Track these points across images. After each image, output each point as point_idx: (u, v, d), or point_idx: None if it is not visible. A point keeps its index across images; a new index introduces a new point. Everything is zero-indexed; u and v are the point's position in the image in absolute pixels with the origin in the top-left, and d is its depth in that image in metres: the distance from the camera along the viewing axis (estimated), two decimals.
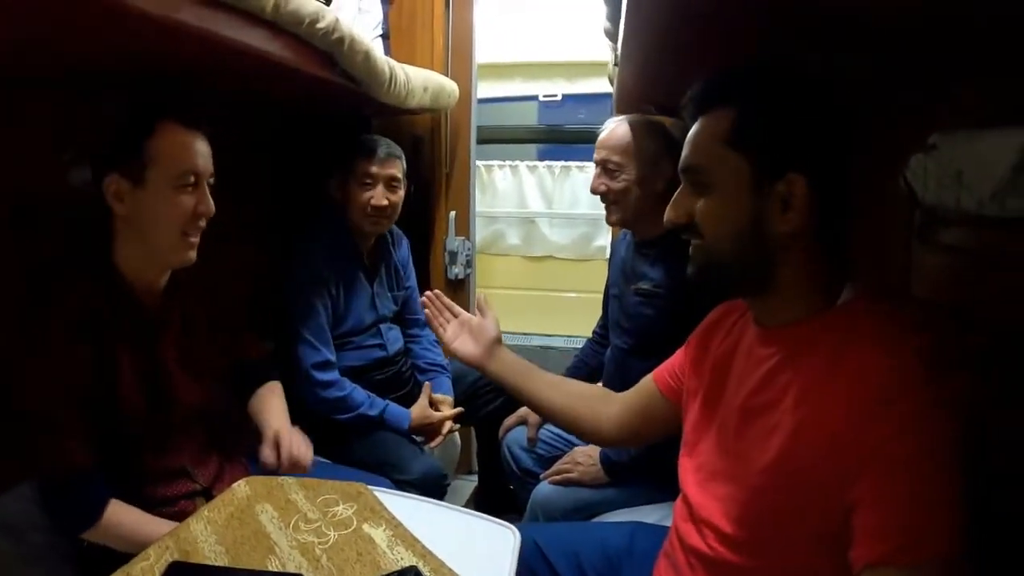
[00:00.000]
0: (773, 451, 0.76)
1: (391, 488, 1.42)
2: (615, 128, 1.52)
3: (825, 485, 0.70)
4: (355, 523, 0.91)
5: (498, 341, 1.24)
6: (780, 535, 0.76)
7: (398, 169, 1.74)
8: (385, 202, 1.70)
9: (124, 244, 1.08)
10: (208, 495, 1.16)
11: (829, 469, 0.69)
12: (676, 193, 0.85)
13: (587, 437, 1.26)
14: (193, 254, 1.11)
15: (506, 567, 0.86)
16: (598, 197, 1.56)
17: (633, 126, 1.50)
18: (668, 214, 0.86)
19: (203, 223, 1.10)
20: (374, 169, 1.69)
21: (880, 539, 0.64)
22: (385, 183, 1.71)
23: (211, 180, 1.12)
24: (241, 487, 0.99)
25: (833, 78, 1.04)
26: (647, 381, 1.13)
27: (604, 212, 1.59)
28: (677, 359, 1.08)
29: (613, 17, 1.08)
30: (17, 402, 1.00)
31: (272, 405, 1.32)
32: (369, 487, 0.99)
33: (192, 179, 1.06)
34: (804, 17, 0.74)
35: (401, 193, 1.76)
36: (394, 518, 0.92)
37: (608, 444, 1.33)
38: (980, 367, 0.76)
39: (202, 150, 1.09)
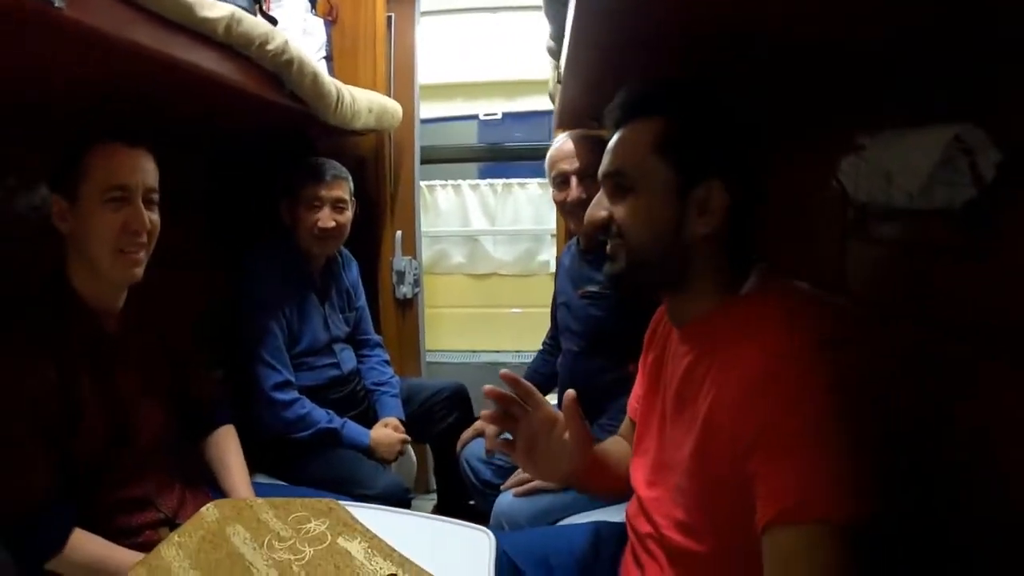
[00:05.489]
0: (693, 438, 0.81)
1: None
2: (576, 139, 1.58)
3: (731, 463, 0.74)
4: (329, 538, 0.91)
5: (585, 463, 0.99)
6: (713, 516, 0.80)
7: (345, 190, 1.75)
8: (332, 223, 1.70)
9: (75, 265, 1.06)
10: (172, 525, 1.13)
11: (731, 448, 0.74)
12: (597, 195, 0.91)
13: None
14: (138, 271, 1.08)
15: (484, 570, 0.87)
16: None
17: (594, 139, 1.56)
18: (589, 214, 0.91)
19: (143, 239, 1.07)
20: (321, 191, 1.70)
21: (771, 503, 0.69)
22: (332, 205, 1.71)
23: (153, 196, 1.09)
24: (210, 510, 0.97)
25: (760, 86, 1.13)
26: (626, 418, 1.16)
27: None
28: (637, 382, 1.12)
29: (557, 36, 1.13)
30: None
31: (233, 465, 1.30)
32: (339, 502, 0.99)
33: (121, 193, 1.03)
34: (744, 35, 0.80)
35: (349, 214, 1.76)
36: (368, 530, 0.92)
37: None
38: (907, 351, 0.81)
39: (139, 165, 1.06)
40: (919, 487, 0.77)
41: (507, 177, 3.19)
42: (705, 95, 0.86)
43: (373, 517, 0.96)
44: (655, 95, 0.87)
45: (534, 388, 0.95)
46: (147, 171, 1.08)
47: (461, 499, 2.06)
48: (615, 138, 0.89)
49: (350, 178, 1.78)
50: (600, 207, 0.89)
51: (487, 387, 0.94)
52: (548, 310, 1.99)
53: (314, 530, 0.93)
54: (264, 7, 1.46)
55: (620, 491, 1.06)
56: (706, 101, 0.86)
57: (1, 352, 0.97)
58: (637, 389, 1.11)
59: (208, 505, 0.99)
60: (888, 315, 0.88)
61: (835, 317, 0.87)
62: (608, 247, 0.89)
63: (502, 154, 3.22)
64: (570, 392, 0.92)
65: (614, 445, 1.16)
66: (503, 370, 0.95)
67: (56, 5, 0.71)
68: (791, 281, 0.94)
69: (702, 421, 0.80)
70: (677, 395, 0.89)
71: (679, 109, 0.85)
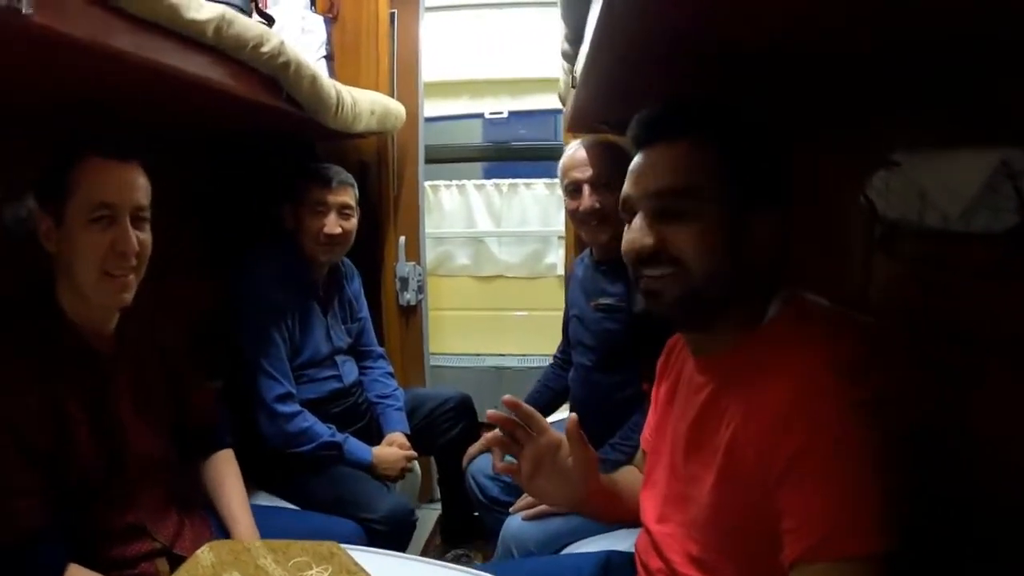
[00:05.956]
0: (713, 473, 0.78)
1: (359, 532, 1.38)
2: (589, 147, 1.52)
3: (756, 497, 0.72)
4: None
5: (589, 488, 0.98)
6: (735, 551, 0.77)
7: (350, 196, 1.72)
8: (339, 230, 1.67)
9: (63, 286, 1.01)
10: (169, 554, 1.08)
11: (756, 482, 0.71)
12: (639, 219, 0.81)
13: None
14: (127, 296, 1.02)
15: None
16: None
17: (607, 146, 1.51)
18: (635, 241, 0.80)
19: (132, 262, 1.00)
20: (327, 197, 1.66)
21: (799, 538, 0.67)
22: (338, 211, 1.68)
23: (143, 214, 1.03)
24: (205, 554, 0.91)
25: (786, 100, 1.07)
26: (640, 450, 1.12)
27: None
28: (650, 412, 1.07)
29: (573, 39, 1.06)
30: None
31: (232, 491, 1.25)
32: (342, 546, 0.93)
33: (106, 212, 0.97)
34: (771, 47, 0.73)
35: (354, 221, 1.73)
36: None
37: None
38: (934, 371, 0.78)
39: (127, 181, 1.00)
40: (949, 515, 0.74)
41: (513, 177, 3.13)
42: (751, 116, 0.81)
43: (378, 563, 0.90)
44: (698, 114, 0.81)
45: (536, 412, 0.93)
46: (137, 188, 1.02)
47: (465, 511, 2.05)
48: (654, 157, 0.81)
49: (355, 184, 1.75)
50: (645, 234, 0.79)
51: (490, 412, 0.93)
52: (555, 313, 1.95)
53: None
54: (260, 5, 1.40)
55: (630, 522, 1.03)
56: (754, 123, 0.81)
57: None
58: (650, 419, 1.06)
59: (204, 547, 0.93)
60: (916, 336, 0.83)
61: (861, 339, 0.83)
62: (651, 280, 0.80)
63: (508, 153, 3.17)
64: (572, 416, 0.92)
65: (627, 475, 1.12)
66: (505, 396, 0.95)
67: (24, 11, 0.64)
68: (813, 299, 0.89)
69: (723, 454, 0.77)
70: (693, 428, 0.85)
71: (731, 130, 0.80)
